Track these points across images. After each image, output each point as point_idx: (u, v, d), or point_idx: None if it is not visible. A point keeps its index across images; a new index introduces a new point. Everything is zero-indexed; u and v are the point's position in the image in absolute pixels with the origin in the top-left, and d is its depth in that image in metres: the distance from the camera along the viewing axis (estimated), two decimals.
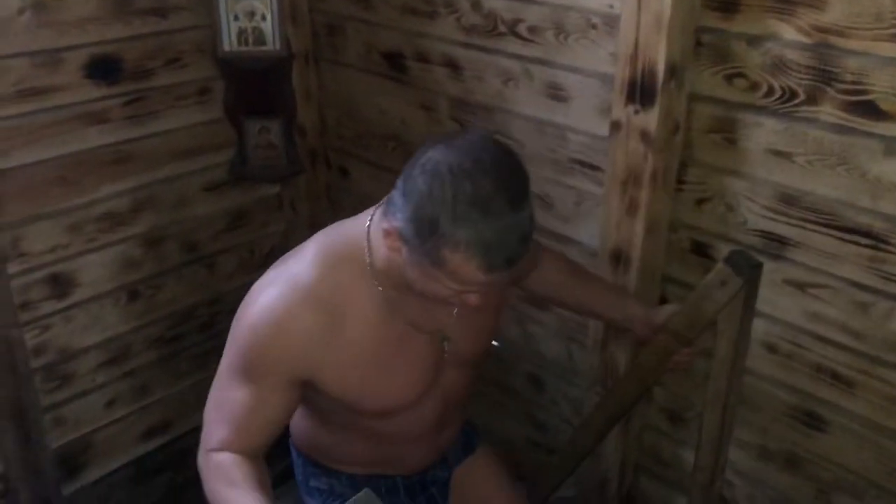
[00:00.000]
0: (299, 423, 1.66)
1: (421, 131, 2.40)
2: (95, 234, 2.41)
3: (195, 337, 2.80)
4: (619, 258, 1.88)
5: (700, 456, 1.80)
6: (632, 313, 1.71)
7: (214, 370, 2.81)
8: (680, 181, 1.84)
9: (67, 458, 2.57)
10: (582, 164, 2.01)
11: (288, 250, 2.79)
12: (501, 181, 1.11)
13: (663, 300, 1.98)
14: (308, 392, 1.37)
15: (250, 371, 1.29)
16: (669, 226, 1.88)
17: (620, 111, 1.75)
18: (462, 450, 1.77)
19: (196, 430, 2.83)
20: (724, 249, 1.82)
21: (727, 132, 1.73)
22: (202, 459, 1.31)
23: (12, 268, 2.24)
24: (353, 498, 0.99)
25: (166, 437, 2.83)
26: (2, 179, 2.15)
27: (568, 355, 2.27)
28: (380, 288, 1.30)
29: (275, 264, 1.37)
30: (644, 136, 1.72)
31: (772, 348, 1.82)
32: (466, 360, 1.49)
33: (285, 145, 2.63)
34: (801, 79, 1.57)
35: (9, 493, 2.45)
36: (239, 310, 1.33)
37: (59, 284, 2.37)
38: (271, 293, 1.29)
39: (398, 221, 1.17)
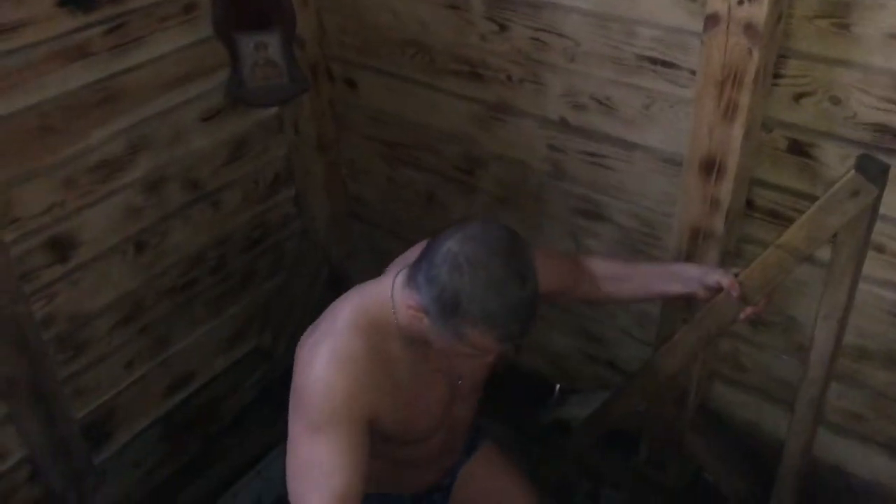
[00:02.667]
0: None
1: (448, 35, 2.13)
2: (92, 187, 2.12)
3: (207, 281, 2.58)
4: (711, 167, 1.71)
5: (810, 369, 1.71)
6: (689, 276, 1.70)
7: (230, 313, 2.69)
8: (776, 75, 1.65)
9: (93, 428, 2.37)
10: (653, 61, 1.80)
11: (292, 176, 2.61)
12: (510, 264, 1.28)
13: (750, 205, 1.83)
14: None
15: (328, 421, 1.34)
16: (762, 125, 1.71)
17: (719, 1, 1.52)
18: (465, 451, 1.89)
19: (219, 376, 2.73)
20: (826, 147, 1.67)
21: (837, 17, 1.53)
22: None
23: (7, 236, 1.96)
24: None
25: (191, 389, 2.65)
26: None
27: None
28: (407, 342, 1.45)
29: (308, 333, 1.47)
30: (749, 30, 1.51)
31: (879, 248, 1.69)
32: (475, 390, 1.69)
33: (287, 62, 2.34)
34: None
35: (37, 475, 2.26)
36: (295, 378, 1.40)
37: (60, 247, 2.10)
38: (325, 350, 1.39)
39: (424, 299, 1.32)
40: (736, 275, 1.66)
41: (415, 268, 1.35)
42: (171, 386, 2.58)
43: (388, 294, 1.43)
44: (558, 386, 2.57)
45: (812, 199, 1.69)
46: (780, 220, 1.79)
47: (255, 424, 2.75)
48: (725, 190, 1.72)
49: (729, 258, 1.87)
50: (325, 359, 1.37)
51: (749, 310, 1.67)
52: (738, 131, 1.63)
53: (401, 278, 1.41)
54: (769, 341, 2.00)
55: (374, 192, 2.69)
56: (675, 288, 1.72)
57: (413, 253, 1.44)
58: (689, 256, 1.86)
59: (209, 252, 2.54)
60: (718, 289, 1.67)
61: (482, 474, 1.89)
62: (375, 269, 2.80)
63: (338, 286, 2.88)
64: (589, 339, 2.39)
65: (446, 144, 2.34)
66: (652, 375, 1.95)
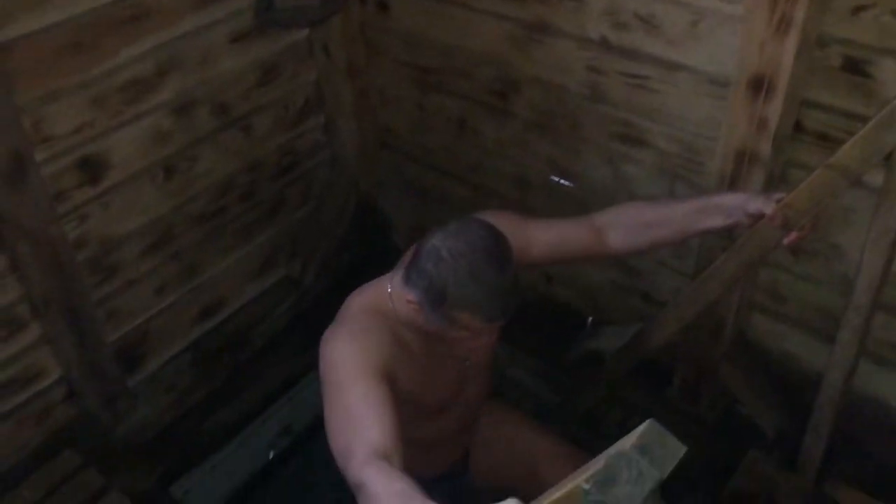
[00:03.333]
0: None
1: None
2: (121, 107, 2.09)
3: (237, 208, 2.56)
4: (760, 86, 1.64)
5: (855, 296, 1.66)
6: (731, 206, 1.61)
7: (259, 241, 2.68)
8: None
9: (125, 351, 2.39)
10: None
11: (323, 101, 2.56)
12: (488, 254, 1.41)
13: (798, 127, 1.76)
14: None
15: (352, 376, 1.43)
16: (816, 41, 1.63)
17: None
18: None
19: (249, 304, 2.73)
20: (883, 64, 1.60)
21: None
22: (358, 475, 1.28)
23: (39, 155, 1.94)
24: (637, 429, 0.81)
25: (221, 316, 2.66)
26: (9, 53, 1.81)
27: (670, 194, 2.08)
28: (412, 330, 1.57)
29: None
30: None
31: None
32: (483, 370, 1.80)
33: None
34: None
35: (73, 395, 2.29)
36: (321, 357, 1.49)
37: (91, 168, 2.09)
38: (341, 330, 1.52)
39: (417, 293, 1.46)
40: (779, 200, 1.59)
41: (408, 267, 1.50)
42: (202, 312, 2.59)
43: (387, 294, 1.58)
44: (590, 318, 2.54)
45: (865, 120, 1.62)
46: (830, 142, 1.73)
47: (285, 352, 2.76)
48: (774, 110, 1.65)
49: (774, 183, 1.81)
50: (342, 334, 1.51)
51: (794, 234, 1.60)
52: (790, 47, 1.56)
53: (398, 278, 1.55)
54: (810, 270, 1.95)
55: (404, 119, 2.64)
56: (718, 221, 1.64)
57: (409, 254, 1.56)
58: (734, 181, 1.81)
59: (239, 179, 2.52)
60: (761, 216, 1.59)
61: (494, 420, 1.98)
62: (405, 199, 2.80)
63: (367, 216, 2.86)
64: (623, 271, 2.35)
65: (480, 68, 2.28)
66: (691, 303, 1.91)
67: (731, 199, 1.63)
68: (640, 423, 2.51)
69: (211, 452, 2.67)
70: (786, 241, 1.61)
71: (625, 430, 2.58)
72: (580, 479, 0.92)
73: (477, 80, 2.31)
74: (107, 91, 2.05)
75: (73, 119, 2.00)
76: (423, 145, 2.62)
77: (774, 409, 2.09)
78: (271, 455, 2.91)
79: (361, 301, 1.59)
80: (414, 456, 1.46)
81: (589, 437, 2.56)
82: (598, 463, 0.85)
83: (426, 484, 1.76)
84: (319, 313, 2.48)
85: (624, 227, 1.68)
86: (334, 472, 1.39)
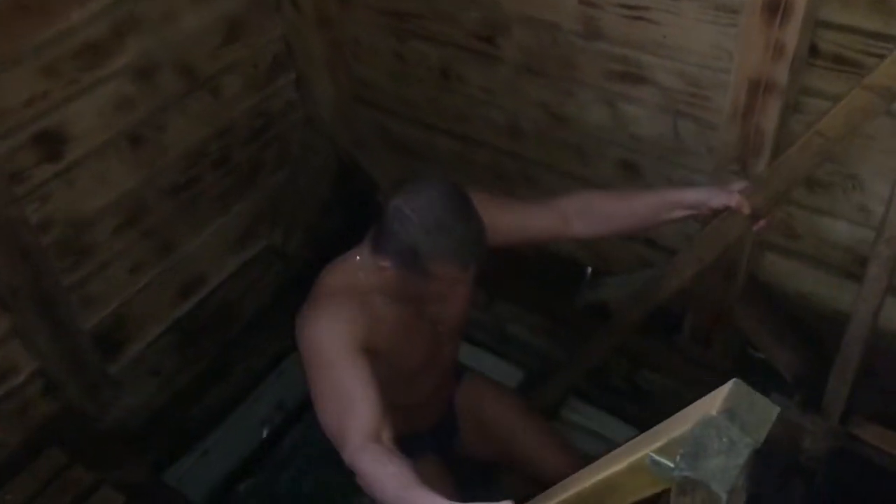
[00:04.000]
0: None
1: None
2: (76, 74, 1.93)
3: (210, 177, 2.41)
4: (776, 8, 1.52)
5: (887, 227, 1.57)
6: (693, 202, 1.69)
7: (237, 210, 2.53)
8: None
9: (104, 337, 2.26)
10: None
11: (293, 57, 2.40)
12: (450, 204, 1.46)
13: (813, 51, 1.65)
14: None
15: (339, 356, 1.46)
16: None
17: None
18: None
19: (231, 278, 2.59)
20: None
21: None
22: (355, 461, 1.34)
23: None
24: (719, 391, 0.71)
25: (202, 293, 2.52)
26: None
27: (674, 133, 1.96)
28: (386, 299, 1.60)
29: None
30: None
31: None
32: (456, 330, 1.84)
33: None
34: None
35: (52, 388, 2.15)
36: (300, 341, 1.53)
37: (49, 143, 1.94)
38: (314, 312, 1.54)
39: (390, 256, 1.50)
40: (741, 191, 1.65)
41: (375, 234, 1.53)
42: (183, 290, 2.45)
43: (358, 262, 1.60)
44: (589, 269, 2.45)
45: (884, 38, 1.53)
46: (846, 65, 1.62)
47: (272, 325, 2.64)
48: (791, 33, 1.54)
49: (789, 113, 1.70)
50: (317, 315, 1.53)
51: (763, 222, 1.69)
52: None
53: (366, 248, 1.58)
54: (826, 204, 1.85)
55: (381, 71, 2.48)
56: (679, 214, 1.71)
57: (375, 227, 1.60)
58: (747, 113, 1.70)
59: (211, 145, 2.36)
60: (725, 209, 1.68)
61: (475, 386, 2.08)
62: (387, 157, 2.65)
63: (348, 177, 2.71)
64: None
65: (463, 10, 2.12)
66: (709, 244, 1.82)
67: (693, 195, 1.70)
68: (648, 374, 2.42)
69: (203, 436, 2.57)
70: (755, 228, 1.68)
71: (632, 384, 2.51)
72: (644, 449, 0.82)
73: (460, 24, 2.15)
74: (59, 58, 1.88)
75: (24, 90, 1.84)
76: (404, 98, 2.47)
77: (792, 351, 2.02)
78: (265, 433, 2.81)
79: (332, 278, 1.61)
80: (398, 418, 1.49)
81: (597, 392, 2.50)
82: (670, 431, 0.74)
83: (416, 439, 1.86)
84: (306, 283, 2.35)
85: (588, 216, 1.75)
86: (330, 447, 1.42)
